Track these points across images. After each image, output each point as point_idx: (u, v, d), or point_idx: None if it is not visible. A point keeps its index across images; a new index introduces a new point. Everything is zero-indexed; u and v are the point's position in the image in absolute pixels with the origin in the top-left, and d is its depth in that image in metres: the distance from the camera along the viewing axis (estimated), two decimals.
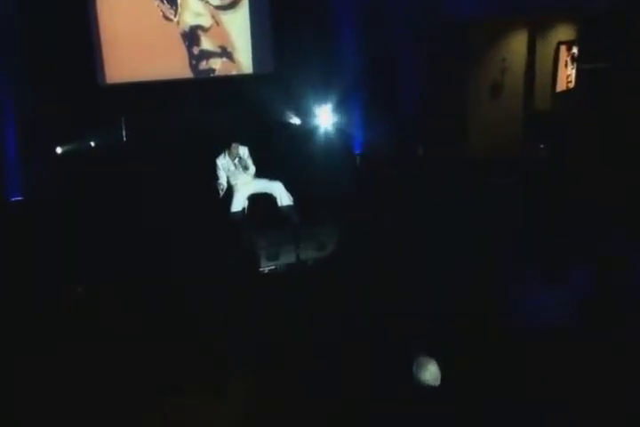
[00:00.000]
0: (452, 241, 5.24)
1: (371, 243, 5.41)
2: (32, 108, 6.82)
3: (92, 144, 7.20)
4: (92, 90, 7.12)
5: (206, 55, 8.10)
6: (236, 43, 8.26)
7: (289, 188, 6.58)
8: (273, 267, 5.72)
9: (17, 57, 6.71)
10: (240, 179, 6.45)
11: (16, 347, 3.56)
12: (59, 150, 7.04)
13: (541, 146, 8.57)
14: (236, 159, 6.28)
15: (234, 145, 6.25)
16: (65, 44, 6.75)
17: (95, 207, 6.37)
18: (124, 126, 7.30)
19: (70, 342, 3.60)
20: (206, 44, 8.08)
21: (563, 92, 9.29)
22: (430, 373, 2.71)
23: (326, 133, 8.33)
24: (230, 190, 6.53)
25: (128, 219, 6.28)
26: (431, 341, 3.16)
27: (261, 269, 5.62)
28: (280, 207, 6.52)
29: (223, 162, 6.30)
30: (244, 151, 6.36)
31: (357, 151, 8.61)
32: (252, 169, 6.46)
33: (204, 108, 7.46)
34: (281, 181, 6.59)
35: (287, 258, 5.75)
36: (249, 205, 6.67)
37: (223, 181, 6.32)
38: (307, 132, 8.27)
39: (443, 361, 2.74)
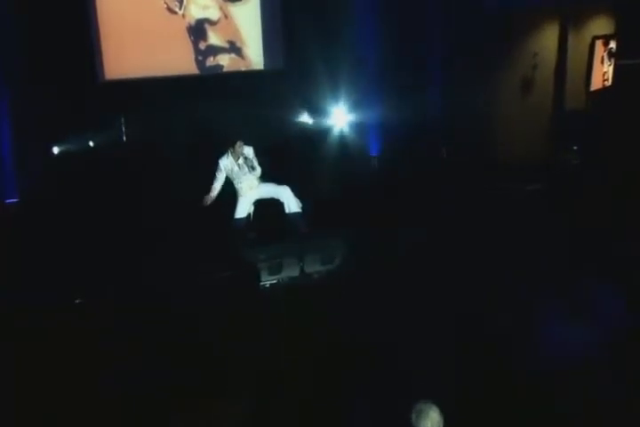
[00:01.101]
0: (471, 255, 4.87)
1: (386, 255, 5.07)
2: (27, 106, 6.50)
3: (91, 144, 6.87)
4: (91, 87, 6.75)
5: (214, 51, 7.67)
6: (246, 37, 7.81)
7: (299, 192, 6.22)
8: (275, 281, 5.28)
9: (9, 52, 6.39)
10: (245, 181, 6.02)
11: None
12: (55, 150, 6.72)
13: (574, 147, 7.95)
14: (241, 159, 5.88)
15: (238, 144, 5.85)
16: (62, 38, 6.36)
17: (93, 210, 6.14)
18: (123, 125, 6.93)
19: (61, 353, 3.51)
20: (214, 38, 7.64)
21: (598, 90, 8.82)
22: (432, 421, 2.38)
23: (340, 134, 7.98)
24: (234, 195, 6.13)
25: (126, 223, 6.05)
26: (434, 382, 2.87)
27: (262, 284, 5.22)
28: (287, 214, 6.09)
29: (226, 162, 5.90)
30: (249, 151, 5.96)
31: (374, 153, 8.26)
32: (259, 170, 6.03)
33: (209, 107, 7.08)
34: (291, 184, 6.22)
35: (291, 271, 5.35)
36: (254, 211, 6.28)
37: (218, 185, 5.88)
38: (319, 132, 7.91)
39: (446, 406, 2.43)
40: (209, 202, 5.82)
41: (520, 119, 8.15)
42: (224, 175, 5.91)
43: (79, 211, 6.13)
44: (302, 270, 5.35)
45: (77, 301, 4.79)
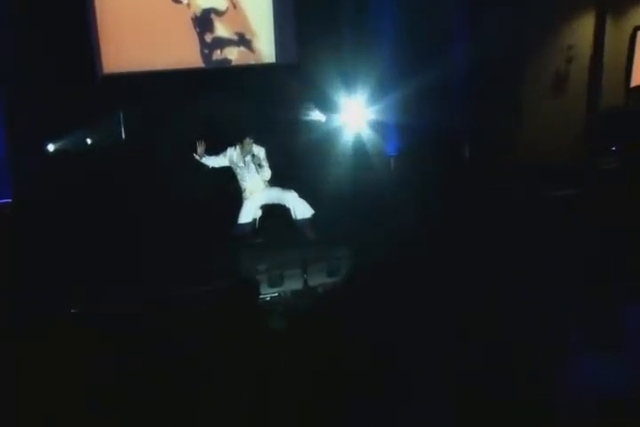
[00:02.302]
0: (494, 264, 4.46)
1: (404, 266, 4.57)
2: (21, 103, 6.22)
3: (88, 142, 6.57)
4: (88, 82, 6.40)
5: (221, 43, 7.25)
6: (256, 29, 7.36)
7: (311, 194, 5.93)
8: (276, 294, 4.90)
9: (3, 47, 6.08)
10: (249, 180, 5.72)
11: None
12: (51, 148, 6.43)
13: (612, 149, 7.36)
14: (249, 156, 5.59)
15: (247, 140, 5.59)
16: (57, 28, 6.04)
17: (89, 212, 5.94)
18: (122, 122, 6.59)
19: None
20: (221, 30, 7.21)
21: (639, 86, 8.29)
22: None
23: (356, 132, 7.56)
24: (240, 198, 5.83)
25: (123, 226, 5.84)
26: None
27: (262, 297, 4.84)
28: (295, 220, 5.76)
29: (232, 153, 5.66)
30: (259, 151, 5.68)
31: (392, 152, 7.85)
32: (268, 173, 5.73)
33: (216, 103, 6.73)
34: (302, 185, 5.96)
35: (293, 284, 4.96)
36: (261, 217, 5.96)
37: (213, 162, 5.65)
38: (333, 130, 7.48)
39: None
40: (200, 158, 5.59)
41: (552, 117, 7.73)
42: (225, 161, 5.64)
43: (75, 212, 5.92)
44: (306, 283, 4.86)
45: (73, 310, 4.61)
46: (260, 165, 5.58)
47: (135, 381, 3.20)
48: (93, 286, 4.87)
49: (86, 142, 6.54)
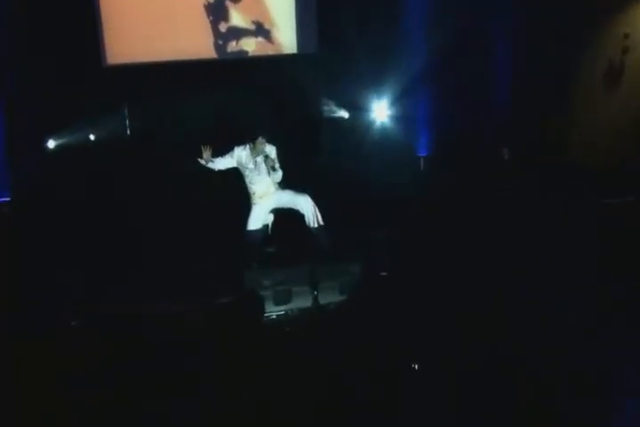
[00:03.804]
0: (536, 286, 3.91)
1: (434, 282, 4.13)
2: (20, 99, 5.97)
3: (91, 138, 6.29)
4: (90, 73, 6.05)
5: (237, 33, 6.75)
6: (276, 17, 6.83)
7: (330, 197, 5.51)
8: (282, 312, 4.33)
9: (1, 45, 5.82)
10: (258, 183, 5.17)
11: None
12: (51, 145, 6.18)
13: None
14: (260, 157, 5.04)
15: (260, 140, 5.01)
16: (57, 16, 5.72)
17: (89, 212, 5.72)
18: (127, 117, 6.24)
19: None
20: (237, 19, 6.70)
21: None
22: None
23: (383, 130, 7.23)
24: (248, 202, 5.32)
25: (126, 228, 5.62)
26: None
27: (267, 315, 4.20)
28: (309, 227, 5.19)
29: (241, 153, 5.10)
30: (271, 150, 5.10)
31: (422, 152, 7.45)
32: (280, 174, 5.14)
33: (228, 97, 6.31)
34: (322, 188, 5.56)
35: (302, 301, 4.38)
36: (273, 222, 5.42)
37: (219, 165, 5.12)
38: (357, 128, 7.11)
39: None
40: (206, 163, 5.10)
41: (604, 115, 7.15)
42: (232, 162, 5.11)
43: (75, 212, 5.72)
44: (316, 300, 4.25)
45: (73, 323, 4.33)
46: (273, 168, 5.02)
47: (132, 396, 3.01)
48: (91, 296, 4.58)
49: (88, 139, 6.28)
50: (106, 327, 3.99)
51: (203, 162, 5.07)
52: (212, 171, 5.26)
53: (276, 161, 5.09)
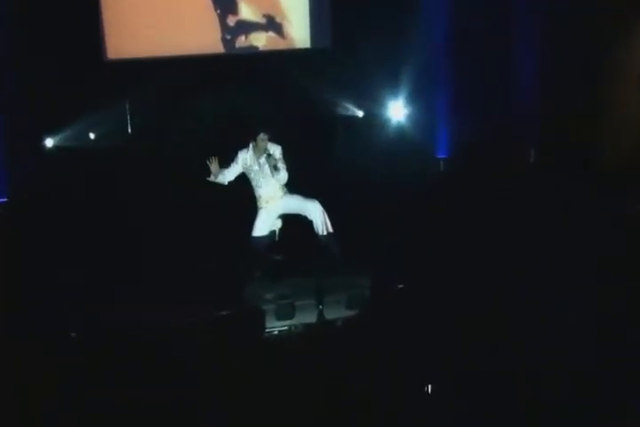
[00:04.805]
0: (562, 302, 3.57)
1: (453, 294, 3.77)
2: (18, 95, 5.77)
3: (91, 137, 6.10)
4: (90, 68, 5.82)
5: (246, 27, 6.47)
6: (287, 10, 6.54)
7: (345, 202, 5.37)
8: (285, 328, 4.00)
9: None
10: (264, 186, 4.88)
11: None
12: (50, 144, 5.98)
13: None
14: (264, 157, 4.74)
15: (261, 136, 4.72)
16: (55, 9, 5.54)
17: (89, 212, 5.56)
18: (128, 114, 6.01)
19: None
20: (246, 12, 6.42)
21: None
22: None
23: (399, 130, 6.99)
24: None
25: (126, 229, 5.44)
26: None
27: (268, 331, 3.95)
28: (318, 235, 4.90)
29: (245, 156, 4.85)
30: (275, 150, 4.82)
31: (441, 154, 7.21)
32: (283, 175, 4.82)
33: (235, 94, 6.11)
34: (334, 191, 5.38)
35: (307, 316, 4.04)
36: (281, 228, 5.12)
37: (229, 175, 4.83)
38: (372, 128, 6.86)
39: None
40: (216, 177, 4.84)
41: (636, 117, 6.83)
42: (239, 169, 4.85)
43: (72, 213, 5.55)
44: (321, 315, 3.93)
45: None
46: (275, 167, 4.71)
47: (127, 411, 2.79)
48: (89, 304, 4.39)
49: (88, 139, 6.09)
50: (101, 338, 3.78)
51: (212, 178, 4.80)
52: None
53: (281, 161, 4.80)
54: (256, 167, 4.80)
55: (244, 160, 4.81)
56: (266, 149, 4.74)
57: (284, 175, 4.80)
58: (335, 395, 2.82)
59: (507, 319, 3.25)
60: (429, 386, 2.88)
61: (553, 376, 2.75)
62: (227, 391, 2.93)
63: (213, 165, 4.73)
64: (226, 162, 4.88)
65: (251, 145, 4.79)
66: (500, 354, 2.94)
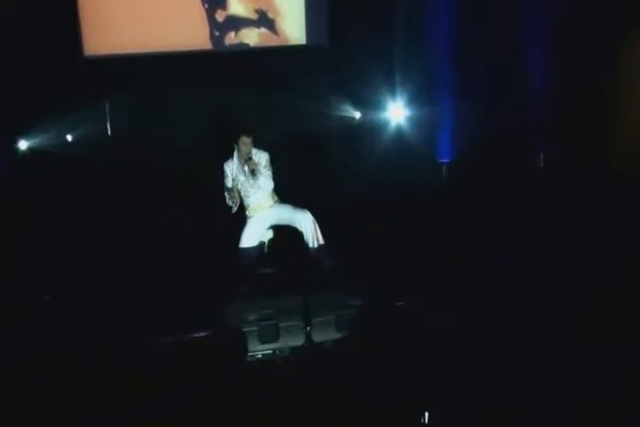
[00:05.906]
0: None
1: (454, 309, 3.74)
2: None
3: (68, 138, 5.80)
4: (67, 66, 5.52)
5: (236, 24, 6.17)
6: (281, 5, 6.25)
7: (343, 209, 5.24)
8: (269, 352, 3.72)
9: None
10: (253, 195, 4.63)
11: None
12: (23, 146, 5.71)
13: None
14: (247, 165, 4.50)
15: (243, 140, 4.45)
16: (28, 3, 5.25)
17: (67, 217, 5.34)
18: (108, 114, 5.76)
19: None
20: (237, 7, 6.13)
21: None
22: None
23: (399, 133, 6.80)
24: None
25: (106, 236, 5.23)
26: None
27: (250, 355, 3.71)
28: (308, 248, 4.63)
29: (231, 167, 4.60)
30: (261, 155, 4.57)
31: (444, 159, 7.02)
32: (265, 183, 4.56)
33: (222, 94, 5.79)
34: (331, 198, 5.35)
35: (293, 339, 3.72)
36: (271, 239, 4.85)
37: (232, 193, 4.65)
38: (370, 130, 6.66)
39: None
40: (235, 208, 4.67)
41: None
42: (230, 179, 4.62)
43: (52, 215, 5.33)
44: (309, 339, 3.58)
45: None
46: (253, 172, 4.43)
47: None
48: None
49: (65, 139, 5.81)
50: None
51: (235, 207, 4.63)
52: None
53: (268, 168, 4.56)
54: (242, 177, 4.53)
55: (231, 171, 4.58)
56: (248, 154, 4.46)
57: (265, 182, 4.55)
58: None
59: (508, 329, 3.19)
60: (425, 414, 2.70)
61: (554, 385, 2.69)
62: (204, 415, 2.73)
63: (233, 198, 4.57)
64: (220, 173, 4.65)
65: (235, 153, 4.52)
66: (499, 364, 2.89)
